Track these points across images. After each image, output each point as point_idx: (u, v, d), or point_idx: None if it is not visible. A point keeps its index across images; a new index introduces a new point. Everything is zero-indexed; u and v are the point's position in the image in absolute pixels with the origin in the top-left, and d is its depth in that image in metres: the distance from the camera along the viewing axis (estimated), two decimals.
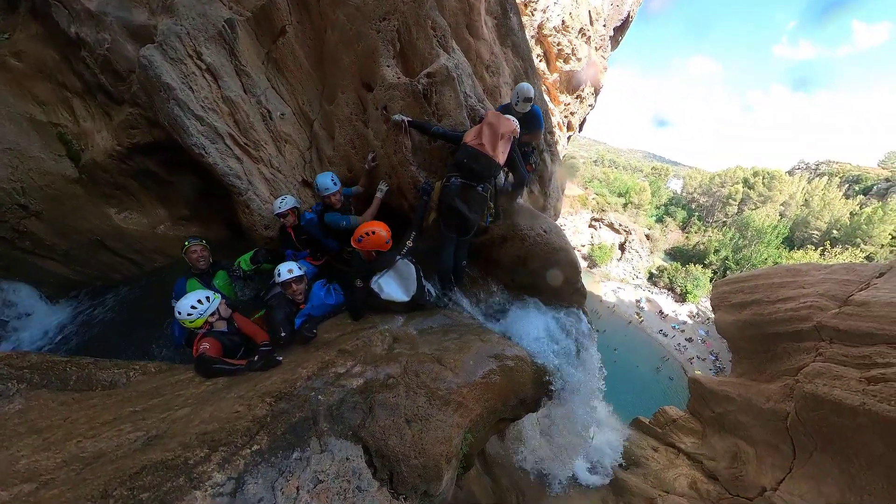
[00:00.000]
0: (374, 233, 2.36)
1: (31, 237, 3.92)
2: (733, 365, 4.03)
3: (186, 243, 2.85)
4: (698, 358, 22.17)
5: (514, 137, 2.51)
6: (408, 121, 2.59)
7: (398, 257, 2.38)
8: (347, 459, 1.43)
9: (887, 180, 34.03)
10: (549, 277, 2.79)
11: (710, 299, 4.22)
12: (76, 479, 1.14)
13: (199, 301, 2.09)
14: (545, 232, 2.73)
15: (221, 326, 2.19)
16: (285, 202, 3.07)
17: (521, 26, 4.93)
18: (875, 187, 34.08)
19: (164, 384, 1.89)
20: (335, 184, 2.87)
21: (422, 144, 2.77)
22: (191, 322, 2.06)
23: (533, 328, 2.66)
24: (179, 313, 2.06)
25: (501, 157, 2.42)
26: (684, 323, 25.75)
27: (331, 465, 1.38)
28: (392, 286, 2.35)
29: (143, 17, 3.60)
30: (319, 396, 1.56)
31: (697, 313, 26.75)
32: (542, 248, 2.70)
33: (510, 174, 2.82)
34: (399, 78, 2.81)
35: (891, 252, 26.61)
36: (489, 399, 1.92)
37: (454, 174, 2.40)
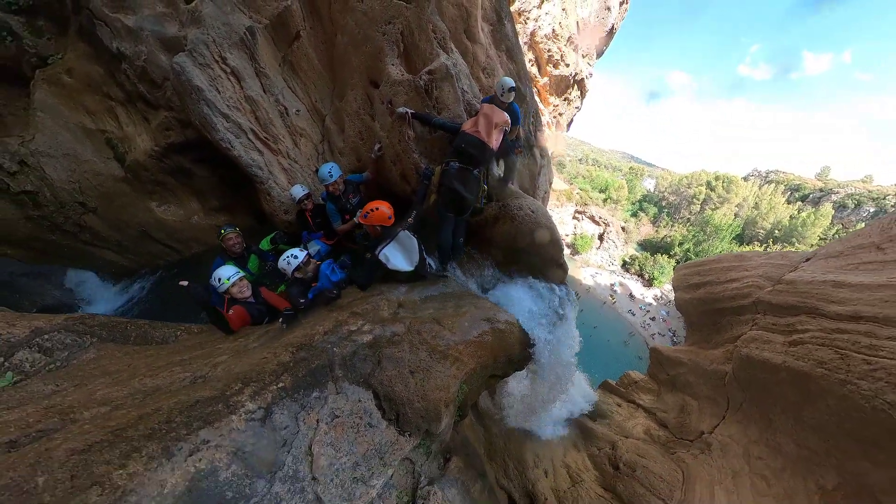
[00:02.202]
0: (377, 209, 2.38)
1: (91, 231, 4.04)
2: (687, 336, 4.19)
3: (223, 231, 2.85)
4: (659, 334, 22.82)
5: (506, 128, 2.51)
6: (411, 113, 2.57)
7: (399, 230, 2.38)
8: (360, 401, 1.51)
9: (820, 190, 35.74)
10: (536, 254, 2.81)
11: (672, 281, 4.33)
12: (139, 403, 1.26)
13: (228, 276, 2.22)
14: (532, 212, 2.74)
15: (246, 296, 2.26)
16: (303, 190, 3.13)
17: (515, 33, 4.80)
18: (811, 196, 35.76)
19: (206, 340, 2.02)
20: (331, 175, 2.86)
21: (423, 134, 2.76)
22: (222, 287, 2.19)
23: (520, 298, 2.71)
24: (219, 279, 2.18)
25: (495, 144, 2.44)
26: (650, 304, 26.31)
27: (345, 404, 1.45)
28: (397, 257, 2.35)
29: (174, 30, 3.54)
30: (335, 349, 1.60)
31: (661, 296, 27.32)
32: (530, 227, 2.72)
33: (502, 162, 2.82)
34: (403, 75, 2.81)
35: None
36: (482, 355, 1.97)
37: (453, 159, 2.40)
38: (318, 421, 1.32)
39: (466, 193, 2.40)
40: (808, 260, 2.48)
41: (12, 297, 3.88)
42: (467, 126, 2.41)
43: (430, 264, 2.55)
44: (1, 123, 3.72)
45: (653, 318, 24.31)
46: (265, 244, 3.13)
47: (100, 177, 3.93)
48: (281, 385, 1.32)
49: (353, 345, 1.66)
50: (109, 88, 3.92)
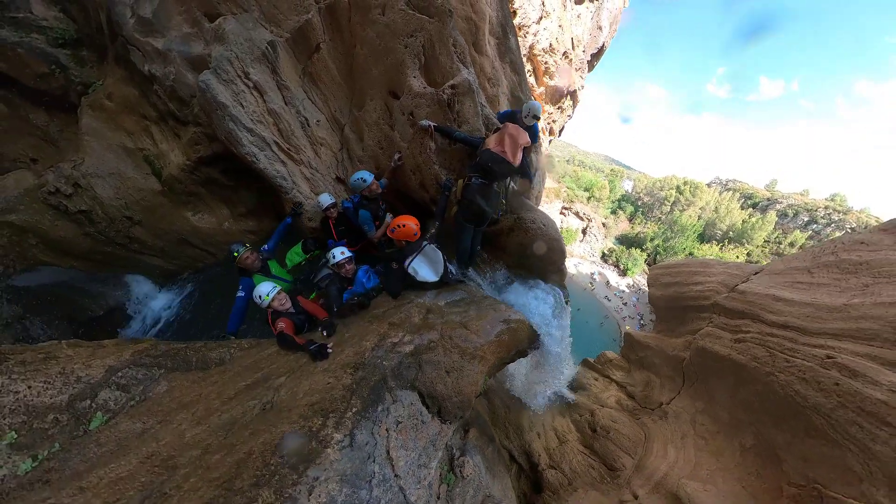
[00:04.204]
0: (404, 225, 2.38)
1: (138, 241, 4.13)
2: (655, 325, 4.63)
3: (235, 253, 2.60)
4: (629, 317, 24.32)
5: (526, 146, 2.50)
6: (433, 126, 2.52)
7: (425, 243, 2.39)
8: (412, 404, 1.60)
9: (768, 200, 38.75)
10: (543, 261, 2.95)
11: (647, 279, 4.68)
12: (226, 443, 1.28)
13: (267, 293, 2.18)
14: (544, 225, 2.81)
15: (287, 307, 2.22)
16: (331, 199, 3.06)
17: (518, 46, 4.68)
18: (760, 204, 38.62)
19: (259, 358, 1.98)
20: (364, 181, 2.76)
21: (443, 146, 2.69)
22: (264, 303, 2.17)
23: (527, 298, 2.91)
24: (260, 297, 2.16)
25: (517, 163, 2.44)
26: (623, 291, 27.79)
27: (403, 410, 1.54)
28: (424, 269, 2.39)
29: (199, 49, 3.40)
30: (384, 362, 1.67)
31: (633, 284, 28.98)
32: (541, 238, 2.78)
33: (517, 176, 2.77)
34: (425, 88, 2.68)
35: (762, 251, 31.25)
36: (500, 352, 2.12)
37: (475, 174, 2.36)
38: (387, 430, 1.42)
39: (487, 207, 2.41)
40: (757, 273, 2.81)
41: (84, 301, 4.07)
42: (492, 144, 2.36)
43: (451, 271, 2.62)
44: (57, 149, 3.79)
45: (625, 304, 25.87)
46: (298, 255, 2.99)
47: (141, 192, 3.95)
48: (354, 409, 1.38)
49: (398, 356, 1.74)
50: (144, 109, 3.85)
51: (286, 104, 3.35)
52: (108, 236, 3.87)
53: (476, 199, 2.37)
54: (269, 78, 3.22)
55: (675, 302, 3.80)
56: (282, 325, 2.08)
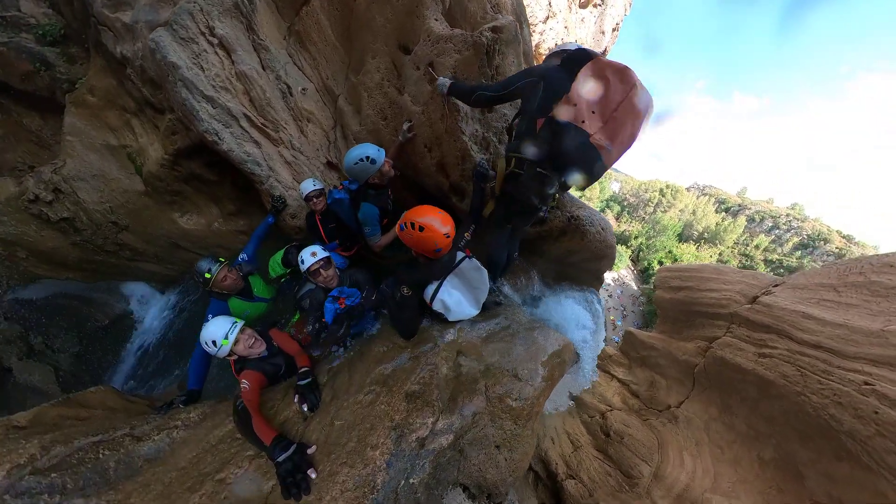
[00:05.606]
0: (425, 228, 1.36)
1: (128, 247, 3.82)
2: (657, 324, 4.67)
3: (207, 274, 1.86)
4: (613, 308, 25.89)
5: None
6: (451, 84, 1.58)
7: (460, 255, 1.53)
8: None
9: (739, 205, 42.27)
10: (587, 269, 2.47)
11: (654, 281, 4.64)
12: None
13: (224, 336, 1.44)
14: (602, 229, 2.25)
15: (259, 351, 1.54)
16: (314, 185, 2.20)
17: (530, 38, 4.31)
18: (731, 208, 42.04)
19: (203, 451, 1.29)
20: (374, 161, 1.87)
21: (472, 113, 1.86)
22: (221, 352, 1.46)
23: (566, 313, 2.52)
24: (213, 342, 1.43)
25: (617, 158, 1.47)
26: (608, 285, 29.33)
27: None
28: (460, 302, 1.51)
29: (167, 14, 2.71)
30: (412, 480, 1.05)
31: (617, 278, 30.77)
32: (598, 245, 2.23)
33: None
34: (452, 30, 1.85)
35: (731, 251, 34.98)
36: (548, 393, 1.53)
37: (528, 157, 1.45)
38: None
39: (540, 204, 1.60)
40: (776, 285, 2.78)
41: (89, 311, 3.88)
42: (568, 115, 1.26)
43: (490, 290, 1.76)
44: (51, 154, 3.49)
45: (610, 296, 27.45)
46: (278, 267, 2.21)
47: (126, 193, 3.56)
48: None
49: (433, 455, 1.13)
50: (123, 100, 3.38)
51: (263, 68, 2.46)
52: (96, 244, 3.60)
53: (529, 197, 1.52)
54: (243, 35, 2.36)
55: (685, 306, 3.78)
56: (245, 384, 1.35)
